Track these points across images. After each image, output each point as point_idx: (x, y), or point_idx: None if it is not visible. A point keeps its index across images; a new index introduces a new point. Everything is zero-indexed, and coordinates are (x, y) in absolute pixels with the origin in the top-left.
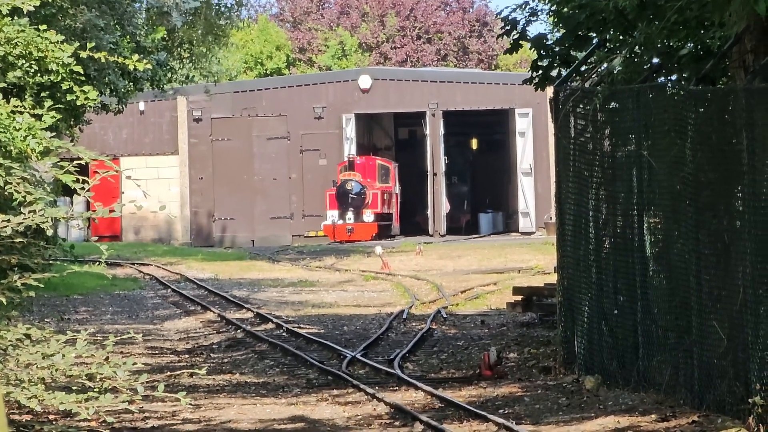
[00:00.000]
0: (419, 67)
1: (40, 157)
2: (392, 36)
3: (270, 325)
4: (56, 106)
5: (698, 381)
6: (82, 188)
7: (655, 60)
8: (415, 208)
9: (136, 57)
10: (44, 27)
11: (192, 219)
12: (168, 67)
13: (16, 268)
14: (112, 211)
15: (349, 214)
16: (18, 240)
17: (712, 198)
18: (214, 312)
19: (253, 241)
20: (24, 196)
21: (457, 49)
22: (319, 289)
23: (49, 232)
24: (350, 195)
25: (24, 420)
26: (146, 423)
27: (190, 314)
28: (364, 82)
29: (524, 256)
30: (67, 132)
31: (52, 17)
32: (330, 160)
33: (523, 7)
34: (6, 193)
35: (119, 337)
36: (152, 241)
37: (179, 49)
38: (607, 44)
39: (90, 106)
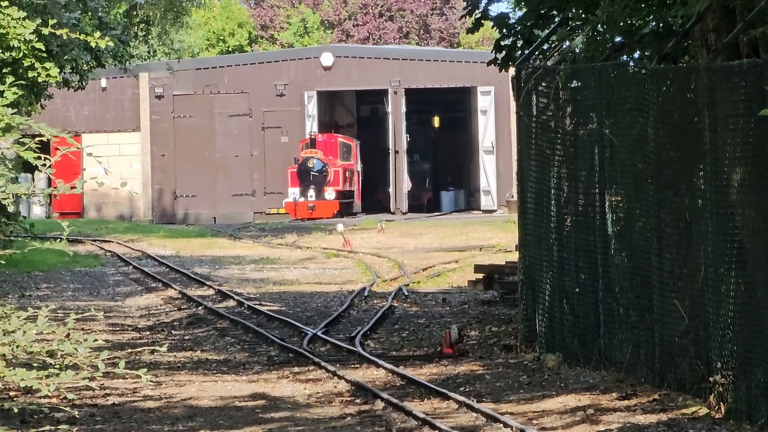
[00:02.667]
0: (381, 44)
1: (1, 134)
2: (354, 13)
3: (231, 303)
4: (18, 82)
5: (659, 359)
6: (44, 165)
7: (617, 38)
8: (376, 186)
9: (98, 34)
10: (6, 3)
11: (154, 196)
12: (128, 44)
13: None
14: (73, 187)
15: (311, 192)
16: None
17: (674, 177)
18: (175, 289)
19: (214, 218)
20: None
21: (419, 27)
22: (281, 267)
23: (11, 209)
24: (312, 172)
25: None
26: (107, 400)
27: (152, 291)
28: (326, 59)
29: (486, 234)
30: (29, 108)
31: None
32: (292, 137)
33: None
34: None
35: (80, 314)
36: (114, 218)
37: (139, 26)
38: (570, 22)
39: (51, 83)
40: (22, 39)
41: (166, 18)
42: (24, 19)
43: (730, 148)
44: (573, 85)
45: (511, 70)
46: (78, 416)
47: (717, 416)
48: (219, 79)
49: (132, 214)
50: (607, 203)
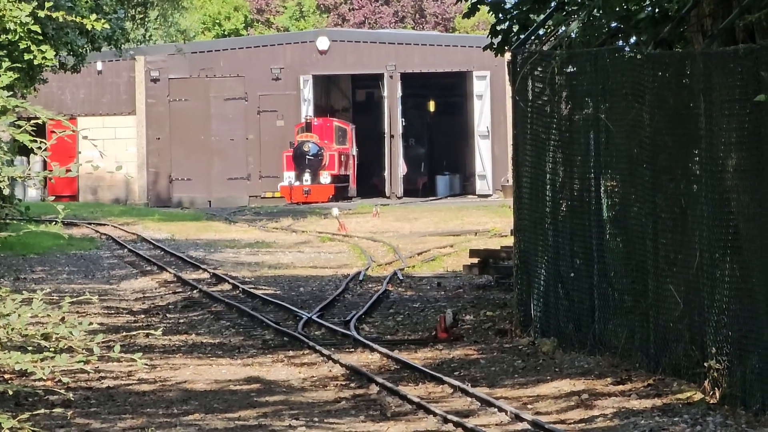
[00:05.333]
0: (377, 29)
1: None
2: None
3: (226, 286)
4: (14, 65)
5: (654, 344)
6: (39, 148)
7: (613, 23)
8: (372, 170)
9: (94, 17)
10: None
11: (149, 179)
12: (124, 28)
13: None
14: (68, 170)
15: (306, 176)
16: None
17: (670, 162)
18: (170, 272)
19: (209, 201)
20: None
21: (415, 11)
22: (276, 251)
23: (6, 192)
24: (307, 156)
25: None
26: (102, 383)
27: (147, 274)
28: (322, 43)
29: (481, 219)
30: (24, 91)
31: None
32: (287, 121)
33: None
34: None
35: (75, 297)
36: (109, 202)
37: (136, 9)
38: (566, 7)
39: (47, 66)
40: (18, 21)
41: (165, 1)
42: (20, 1)
43: (726, 134)
44: (569, 70)
45: (507, 55)
46: (73, 399)
47: (711, 401)
48: (215, 62)
49: (127, 198)
50: (603, 188)
